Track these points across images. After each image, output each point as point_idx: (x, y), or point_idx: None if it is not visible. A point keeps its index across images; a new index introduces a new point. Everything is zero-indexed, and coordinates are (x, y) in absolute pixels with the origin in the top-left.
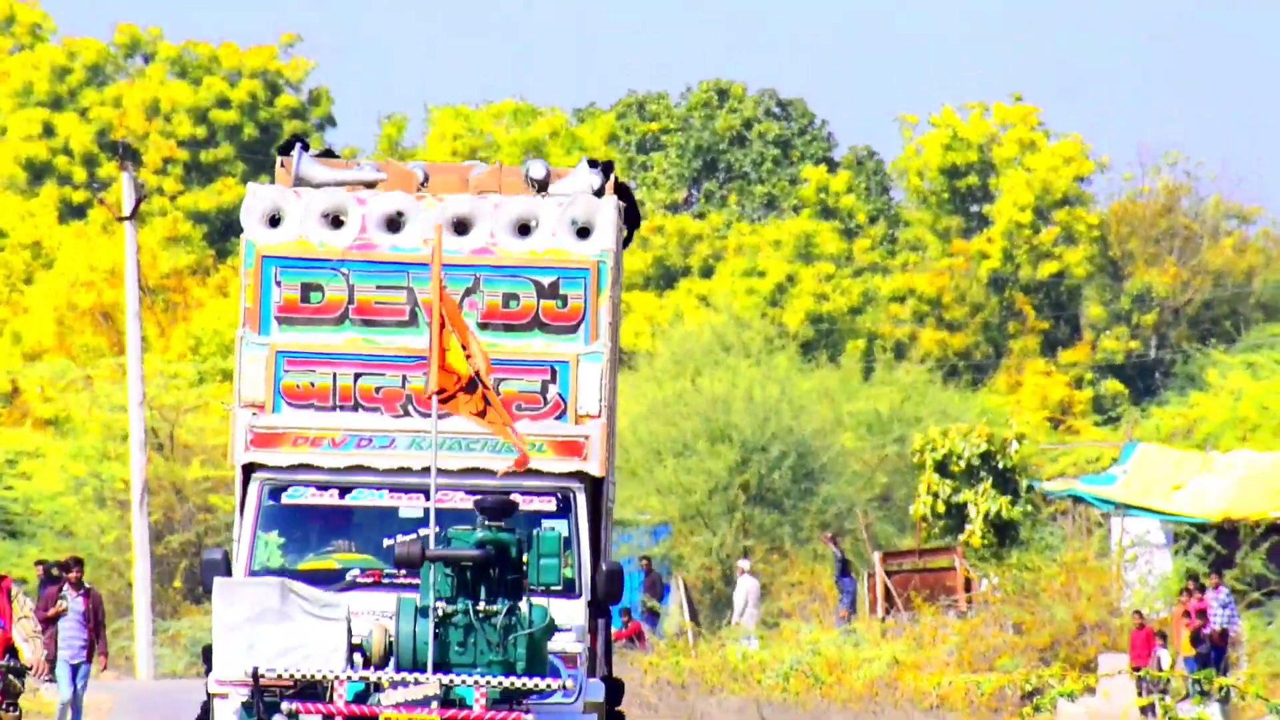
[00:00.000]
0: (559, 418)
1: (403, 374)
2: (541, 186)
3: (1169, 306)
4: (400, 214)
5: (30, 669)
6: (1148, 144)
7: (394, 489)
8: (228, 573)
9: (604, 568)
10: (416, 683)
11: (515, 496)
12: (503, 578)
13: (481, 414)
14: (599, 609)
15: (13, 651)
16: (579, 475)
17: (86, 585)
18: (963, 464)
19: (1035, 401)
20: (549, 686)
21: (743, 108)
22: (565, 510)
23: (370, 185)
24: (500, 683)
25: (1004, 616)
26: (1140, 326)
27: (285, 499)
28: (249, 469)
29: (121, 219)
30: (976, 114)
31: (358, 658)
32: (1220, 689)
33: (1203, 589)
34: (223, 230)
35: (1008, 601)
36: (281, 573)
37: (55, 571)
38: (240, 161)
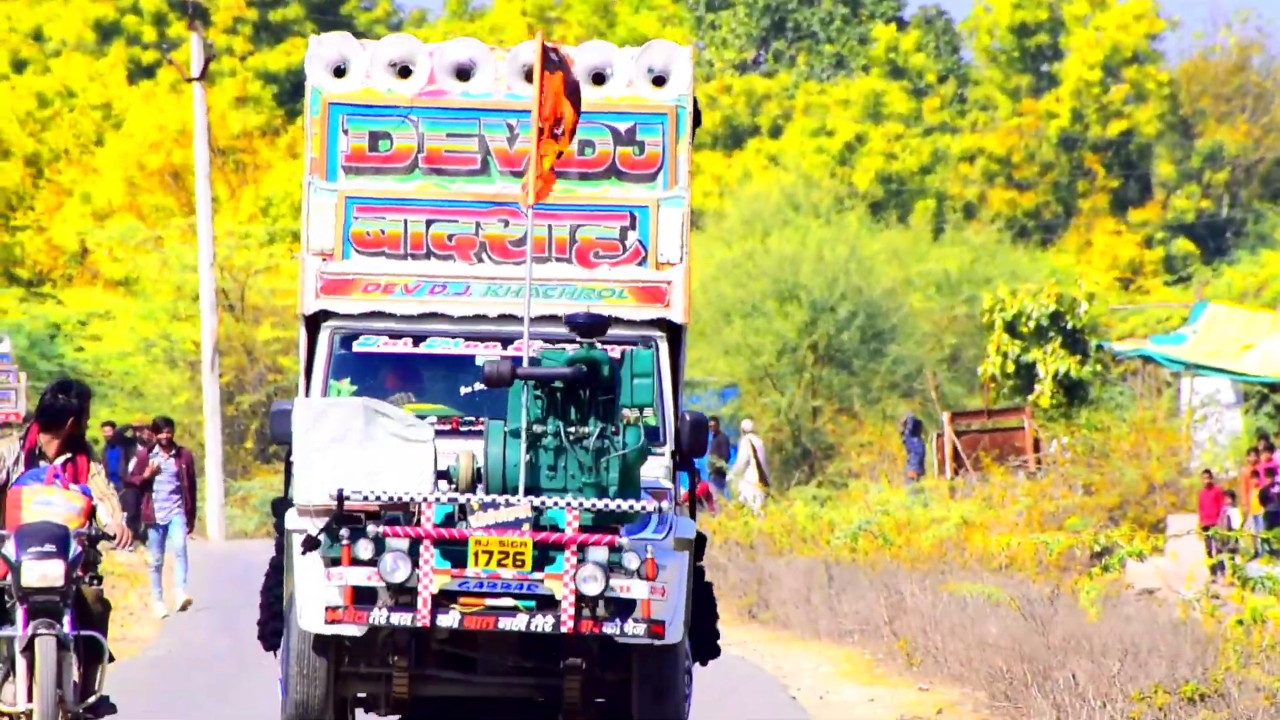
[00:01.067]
0: (639, 264)
1: (476, 220)
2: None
3: (1240, 165)
4: (471, 62)
5: (114, 538)
6: (1219, 2)
7: (469, 337)
8: None
9: (687, 418)
10: (507, 505)
11: (595, 344)
12: (594, 398)
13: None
14: (683, 461)
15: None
16: (660, 323)
17: (178, 445)
18: (1032, 324)
19: (1105, 261)
20: (643, 509)
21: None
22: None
23: None
24: (593, 505)
25: (1073, 477)
26: (1211, 185)
27: (357, 346)
28: (316, 318)
29: (191, 79)
30: None
31: (444, 484)
32: None
33: (1272, 448)
34: (292, 90)
35: (1077, 462)
36: None
37: (130, 434)
38: (309, 21)
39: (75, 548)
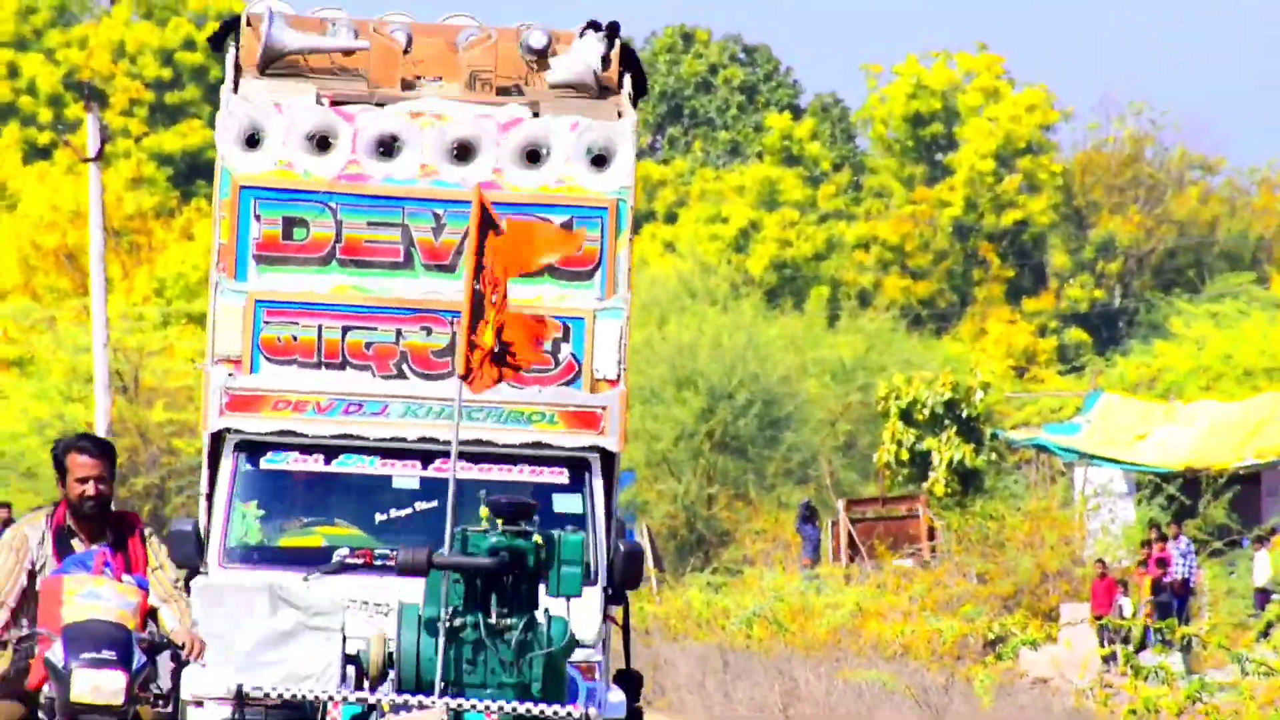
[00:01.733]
0: (571, 383)
1: (397, 328)
2: (540, 56)
3: (1133, 255)
4: (394, 138)
5: (181, 647)
6: (1112, 94)
7: (387, 454)
8: (199, 546)
9: (620, 549)
10: (420, 706)
11: (523, 470)
12: (518, 587)
13: (498, 380)
14: (617, 594)
15: (153, 617)
16: (594, 448)
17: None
18: (927, 412)
19: (999, 350)
20: (568, 715)
21: (708, 53)
22: (578, 485)
23: (349, 53)
24: (514, 709)
25: (967, 565)
26: (1104, 275)
27: (264, 464)
28: (219, 433)
29: (86, 160)
30: (940, 63)
31: (351, 670)
32: (1182, 638)
33: (1164, 539)
34: (188, 173)
35: (971, 550)
36: (261, 549)
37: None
38: (206, 104)
39: (139, 656)
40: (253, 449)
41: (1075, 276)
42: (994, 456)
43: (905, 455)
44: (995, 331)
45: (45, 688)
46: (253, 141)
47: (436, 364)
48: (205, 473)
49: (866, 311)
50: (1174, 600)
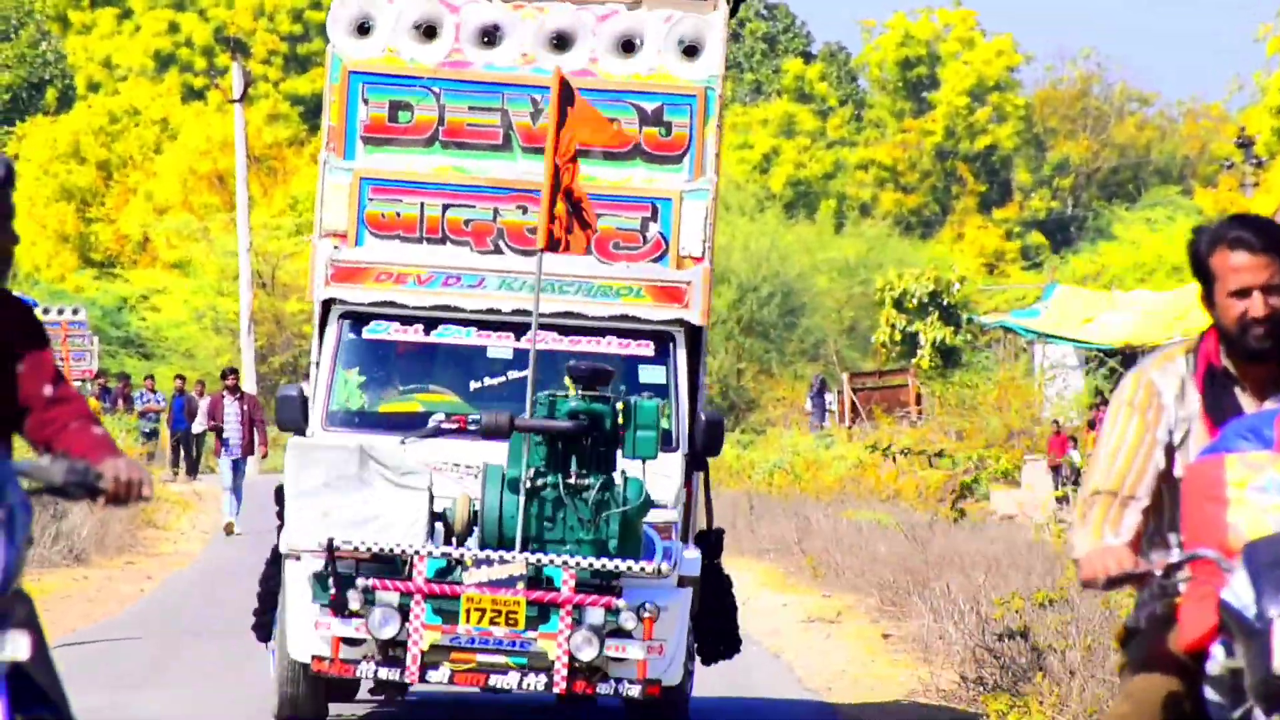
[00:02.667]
0: (659, 259)
1: (494, 206)
2: None
3: (1082, 173)
4: (496, 27)
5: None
6: (1066, 41)
7: (482, 325)
8: (303, 412)
9: (703, 418)
10: (501, 561)
11: (611, 342)
12: (596, 449)
13: (587, 249)
14: (697, 461)
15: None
16: (679, 322)
17: (241, 390)
18: (915, 301)
19: (974, 250)
20: (642, 570)
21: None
22: (663, 357)
23: None
24: (590, 564)
25: (948, 425)
26: (1059, 189)
27: (367, 333)
28: (327, 303)
29: (233, 101)
30: (924, 17)
31: (439, 527)
32: None
33: (1107, 402)
34: (315, 110)
35: (950, 412)
36: (361, 414)
37: (221, 381)
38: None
39: None
40: (356, 319)
41: (1035, 191)
42: (969, 337)
43: (898, 336)
44: (970, 235)
45: (1216, 649)
46: (363, 29)
47: (531, 240)
48: (315, 341)
49: (866, 220)
50: None
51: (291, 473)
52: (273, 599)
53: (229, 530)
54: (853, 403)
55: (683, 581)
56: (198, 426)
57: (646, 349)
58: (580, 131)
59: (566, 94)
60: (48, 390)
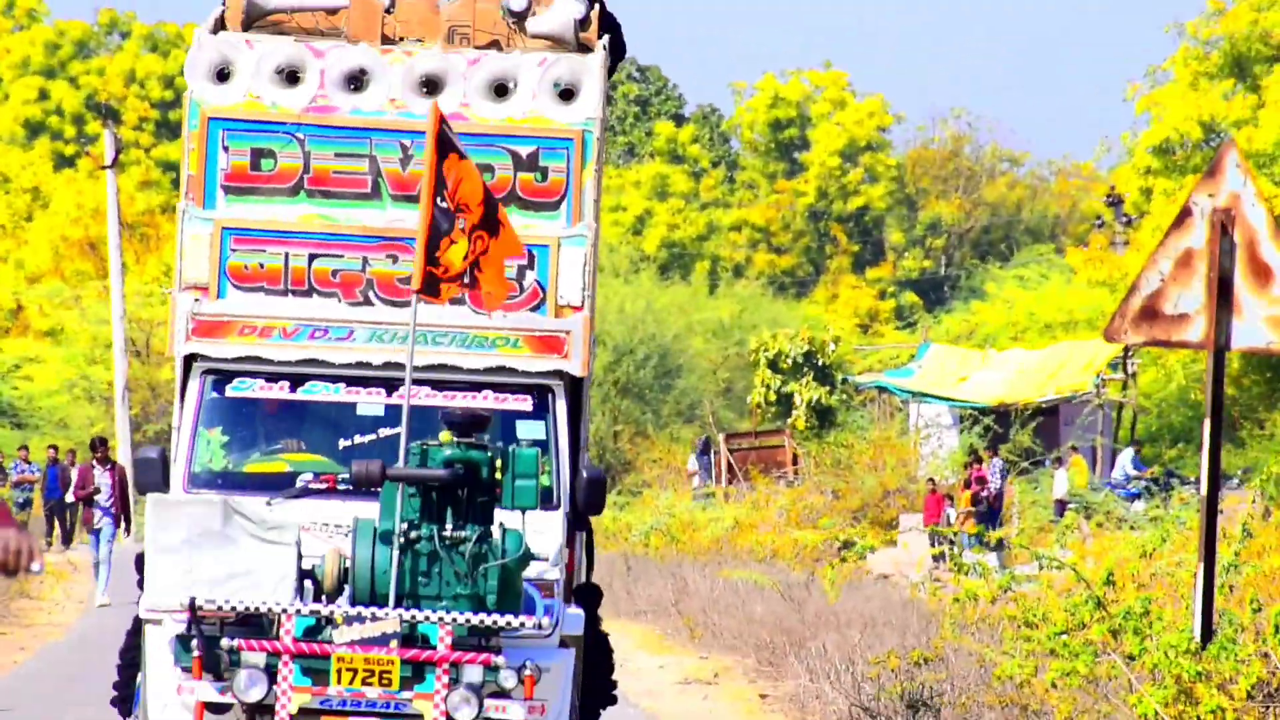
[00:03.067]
0: (536, 309)
1: (363, 255)
2: (519, 19)
3: (955, 232)
4: (363, 71)
5: None
6: (936, 101)
7: (352, 382)
8: (164, 473)
9: (584, 475)
10: (374, 619)
11: (487, 396)
12: (473, 500)
13: (460, 300)
14: (579, 520)
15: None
16: (558, 374)
17: (111, 460)
18: (789, 362)
19: (848, 310)
20: (521, 625)
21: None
22: (542, 411)
23: (332, 11)
24: (468, 619)
25: (824, 484)
26: (932, 248)
27: (230, 391)
28: (190, 359)
29: (104, 168)
30: (794, 79)
31: (308, 584)
32: (995, 541)
33: (980, 461)
34: None
35: (826, 472)
36: (225, 474)
37: (91, 453)
38: None
39: None
40: (218, 375)
41: (908, 250)
42: (844, 397)
43: (773, 397)
44: (844, 295)
45: None
46: (223, 75)
47: (402, 291)
48: (178, 401)
49: (740, 281)
50: (989, 510)
51: (151, 530)
52: (133, 670)
53: (102, 604)
54: (729, 463)
55: (565, 642)
56: (70, 496)
57: (525, 403)
58: (500, 250)
59: (445, 139)
60: None
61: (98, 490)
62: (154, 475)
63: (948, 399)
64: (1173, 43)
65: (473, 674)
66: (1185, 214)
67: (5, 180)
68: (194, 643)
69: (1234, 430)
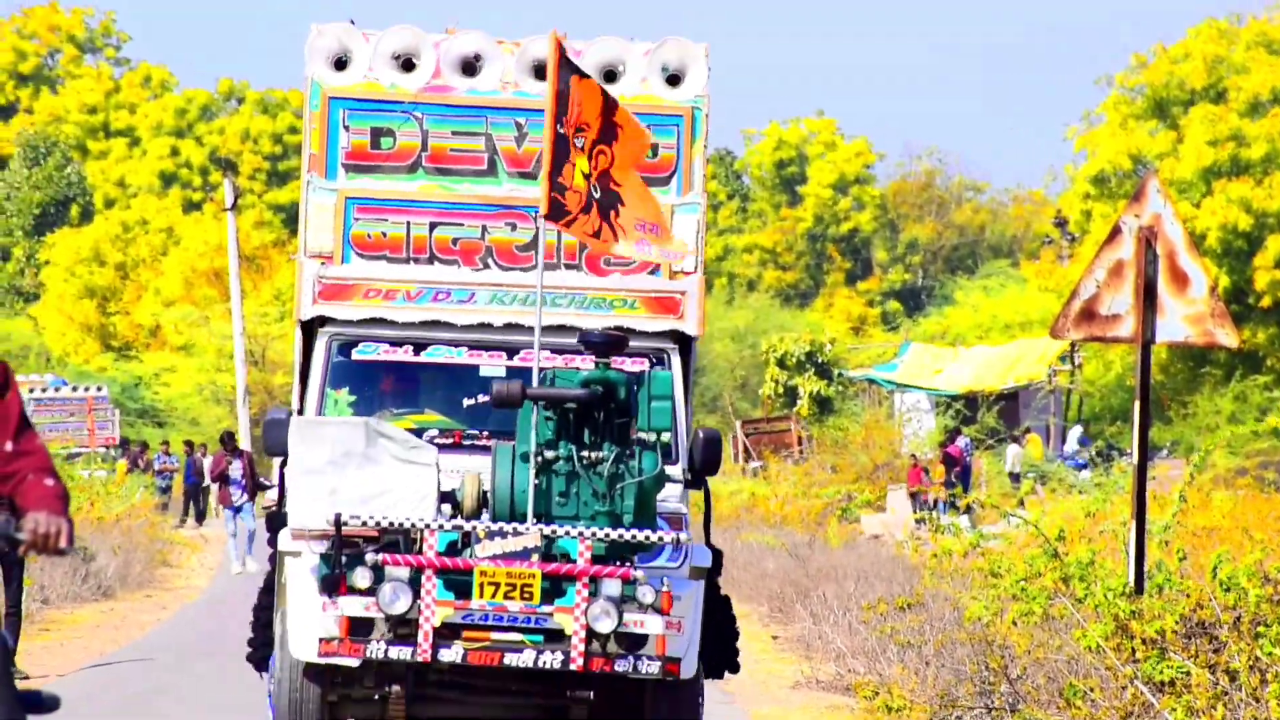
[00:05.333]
0: (652, 272)
1: (482, 224)
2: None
3: (929, 250)
4: (477, 56)
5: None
6: (912, 141)
7: (473, 346)
8: None
9: (700, 436)
10: (515, 534)
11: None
12: (609, 421)
13: (596, 234)
14: (696, 479)
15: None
16: (673, 334)
17: (240, 449)
18: (794, 360)
19: (842, 316)
20: (659, 540)
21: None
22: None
23: None
24: (607, 534)
25: (824, 461)
26: (911, 264)
27: (356, 354)
28: (312, 325)
29: (225, 210)
30: (794, 125)
31: (446, 508)
32: (966, 505)
33: (953, 439)
34: (294, 216)
35: (826, 451)
36: None
37: (222, 445)
38: None
39: None
40: (344, 340)
41: (891, 266)
42: (840, 388)
43: (781, 390)
44: (839, 304)
45: None
46: (340, 64)
47: (521, 258)
48: (298, 363)
49: (752, 294)
50: (960, 480)
51: (296, 451)
52: (268, 625)
53: (238, 572)
54: (745, 445)
55: (694, 573)
56: (208, 480)
57: (641, 365)
58: (624, 151)
59: (566, 63)
60: (8, 446)
61: (229, 474)
62: (283, 435)
63: (925, 388)
64: (1104, 91)
65: (612, 588)
66: (1116, 232)
67: (144, 223)
68: (339, 558)
69: (1163, 410)
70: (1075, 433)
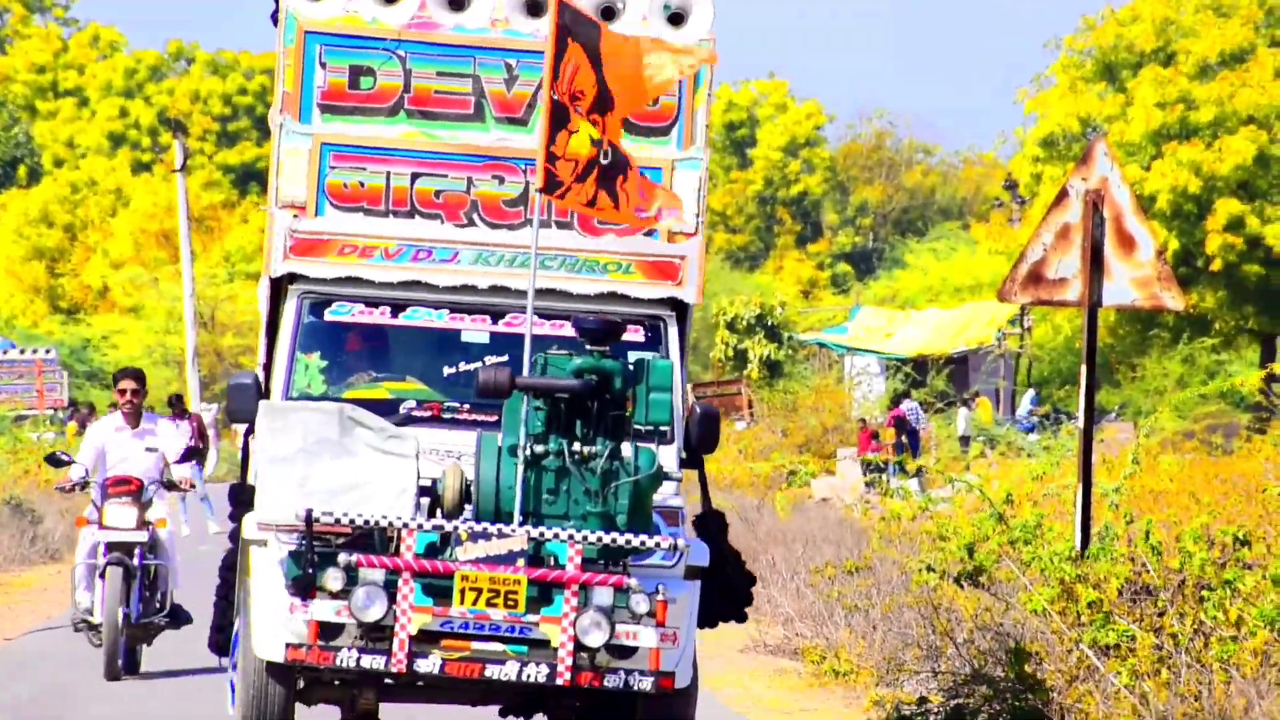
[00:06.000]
0: (649, 234)
1: (468, 176)
2: None
3: (879, 213)
4: None
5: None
6: (863, 104)
7: (455, 309)
8: (258, 399)
9: (698, 410)
10: (500, 535)
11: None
12: (604, 413)
13: (590, 202)
14: (693, 457)
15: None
16: (670, 302)
17: (188, 411)
18: (744, 323)
19: (792, 279)
20: (656, 545)
21: None
22: (654, 342)
23: None
24: (599, 538)
25: (774, 425)
26: (861, 227)
27: (329, 315)
28: (280, 282)
29: (174, 171)
30: (744, 88)
31: (425, 502)
32: (915, 469)
33: (900, 402)
34: (243, 177)
35: (776, 414)
36: (324, 400)
37: (169, 408)
38: (255, 130)
39: None
40: (316, 298)
41: (841, 229)
42: (790, 351)
43: (731, 353)
44: (789, 267)
45: None
46: None
47: (509, 214)
48: (265, 320)
49: None
50: (910, 443)
51: (263, 439)
52: (231, 608)
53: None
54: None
55: (690, 573)
56: None
57: (636, 335)
58: (623, 102)
59: (565, 21)
60: None
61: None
62: (248, 401)
63: (876, 351)
64: (1053, 54)
65: (603, 596)
66: (1063, 195)
67: (93, 183)
68: (309, 558)
69: (1111, 373)
70: (1029, 396)
